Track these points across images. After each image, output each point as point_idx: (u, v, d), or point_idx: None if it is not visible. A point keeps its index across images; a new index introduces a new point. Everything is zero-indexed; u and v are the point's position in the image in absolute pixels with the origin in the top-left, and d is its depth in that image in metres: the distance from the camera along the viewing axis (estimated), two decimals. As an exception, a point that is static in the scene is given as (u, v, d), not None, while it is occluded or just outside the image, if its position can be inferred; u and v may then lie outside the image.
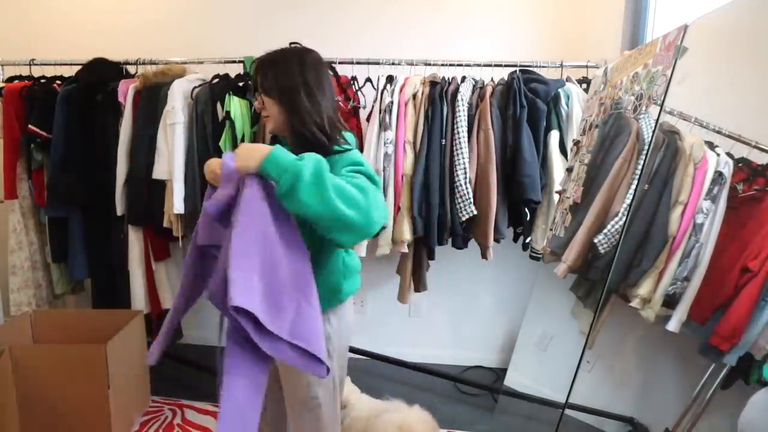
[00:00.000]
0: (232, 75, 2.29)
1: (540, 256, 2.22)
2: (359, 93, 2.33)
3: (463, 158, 2.05)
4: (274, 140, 1.33)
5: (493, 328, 2.81)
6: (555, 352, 2.30)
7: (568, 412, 1.79)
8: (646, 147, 1.53)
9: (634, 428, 1.99)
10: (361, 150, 1.96)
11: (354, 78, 2.32)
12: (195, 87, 2.19)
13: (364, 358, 2.63)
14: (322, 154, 1.08)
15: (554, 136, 2.12)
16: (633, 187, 1.56)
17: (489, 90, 2.11)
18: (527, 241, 2.24)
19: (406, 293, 2.30)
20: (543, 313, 2.35)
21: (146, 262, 2.37)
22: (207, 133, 2.17)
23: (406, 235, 2.13)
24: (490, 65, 2.22)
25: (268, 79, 1.22)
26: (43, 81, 2.42)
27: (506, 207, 2.16)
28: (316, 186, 0.98)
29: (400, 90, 2.15)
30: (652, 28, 2.16)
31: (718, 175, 1.55)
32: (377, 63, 2.25)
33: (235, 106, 2.14)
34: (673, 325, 1.61)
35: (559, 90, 2.13)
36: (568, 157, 2.11)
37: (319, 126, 1.19)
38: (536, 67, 2.20)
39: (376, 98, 2.18)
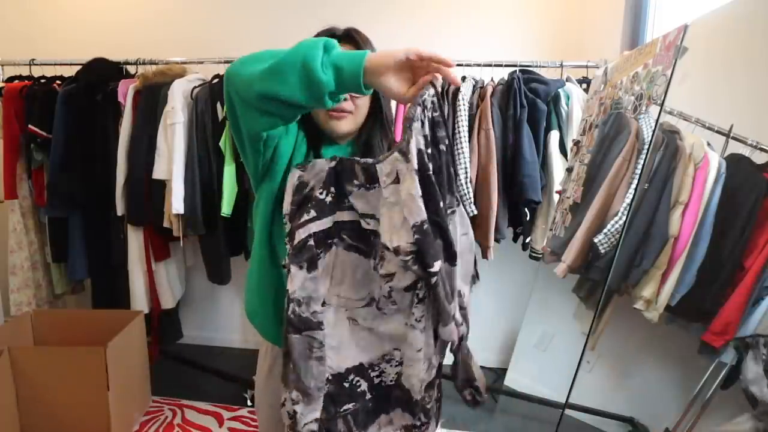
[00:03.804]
0: (232, 75, 2.29)
1: (540, 256, 2.22)
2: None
3: (464, 158, 2.05)
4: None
5: (493, 328, 2.81)
6: (555, 352, 2.30)
7: (568, 412, 1.79)
8: (646, 147, 1.53)
9: (634, 428, 1.99)
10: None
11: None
12: (195, 87, 2.19)
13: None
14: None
15: (554, 136, 2.12)
16: (633, 186, 1.56)
17: (489, 90, 2.11)
18: (527, 241, 2.24)
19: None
20: (543, 313, 2.35)
21: (146, 262, 2.37)
22: (207, 133, 2.17)
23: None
24: (490, 65, 2.22)
25: None
26: (43, 81, 2.42)
27: (506, 207, 2.15)
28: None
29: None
30: (652, 28, 2.16)
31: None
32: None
33: (235, 106, 2.14)
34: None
35: (559, 90, 2.13)
36: (568, 157, 2.11)
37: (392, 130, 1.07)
38: (536, 67, 2.20)
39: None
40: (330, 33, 0.98)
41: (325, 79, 0.73)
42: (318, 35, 0.99)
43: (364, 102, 0.98)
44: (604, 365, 2.05)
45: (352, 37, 0.99)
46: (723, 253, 1.56)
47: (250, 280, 1.06)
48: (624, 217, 1.57)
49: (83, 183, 2.29)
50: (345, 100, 0.95)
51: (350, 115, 0.98)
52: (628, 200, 1.57)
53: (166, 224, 2.22)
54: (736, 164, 1.58)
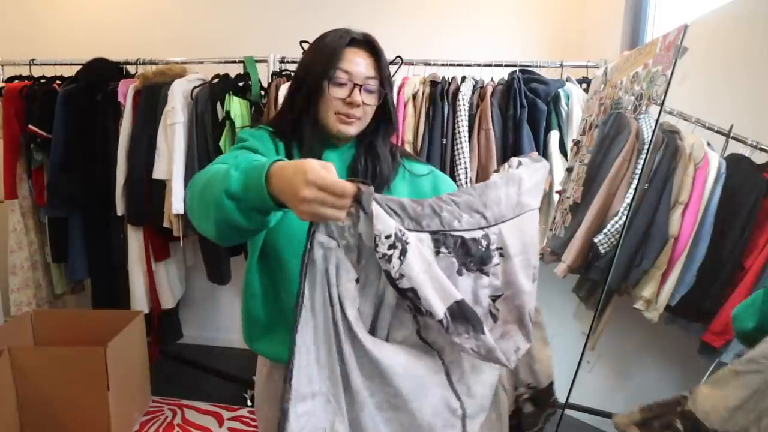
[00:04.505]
0: (232, 75, 2.29)
1: (540, 256, 2.22)
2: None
3: (464, 158, 2.05)
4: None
5: (493, 328, 2.80)
6: (555, 352, 2.29)
7: (568, 412, 1.79)
8: (646, 147, 1.53)
9: (634, 428, 1.99)
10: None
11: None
12: (195, 87, 2.19)
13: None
14: (393, 162, 1.01)
15: (554, 136, 2.12)
16: (633, 186, 1.56)
17: (489, 90, 2.11)
18: (527, 241, 2.24)
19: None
20: (543, 313, 2.34)
21: (146, 262, 2.37)
22: (207, 133, 2.17)
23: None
24: (490, 65, 2.22)
25: (385, 69, 0.98)
26: (43, 81, 2.42)
27: (506, 207, 2.15)
28: None
29: (399, 90, 2.15)
30: (652, 28, 2.16)
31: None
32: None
33: (235, 106, 2.14)
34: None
35: (559, 90, 2.13)
36: (568, 157, 2.11)
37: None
38: (536, 67, 2.20)
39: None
40: (349, 36, 0.95)
41: (258, 224, 0.75)
42: (331, 33, 0.96)
43: (372, 108, 0.98)
44: (604, 365, 2.05)
45: (370, 43, 0.97)
46: (723, 253, 1.56)
47: (249, 311, 1.01)
48: (624, 217, 1.57)
49: (83, 183, 2.29)
50: (358, 106, 0.94)
51: (358, 120, 0.97)
52: (628, 200, 1.57)
53: (166, 224, 2.22)
54: (736, 164, 1.58)
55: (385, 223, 0.69)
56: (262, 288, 0.97)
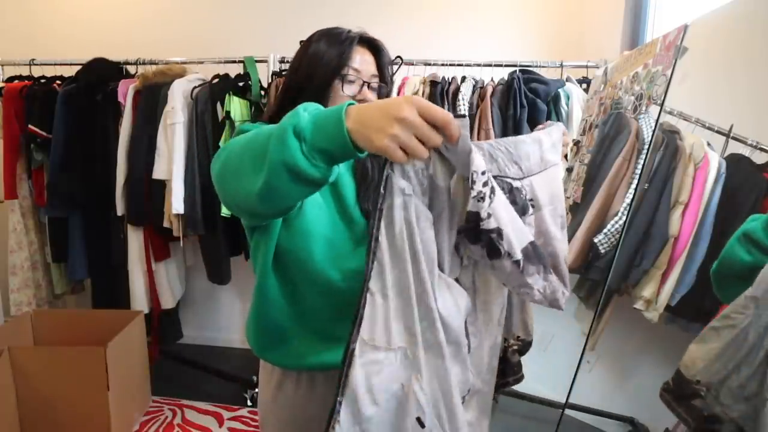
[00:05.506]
0: (232, 75, 2.29)
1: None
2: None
3: (463, 158, 2.06)
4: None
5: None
6: (555, 352, 2.29)
7: (568, 412, 1.79)
8: (646, 147, 1.53)
9: (634, 428, 1.99)
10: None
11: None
12: (195, 87, 2.19)
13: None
14: None
15: (554, 136, 2.12)
16: (633, 186, 1.56)
17: (489, 90, 2.11)
18: (527, 241, 2.24)
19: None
20: (543, 312, 2.34)
21: (146, 262, 2.37)
22: (207, 133, 2.17)
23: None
24: (490, 65, 2.22)
25: (385, 67, 1.01)
26: (43, 81, 2.43)
27: (506, 207, 2.15)
28: None
29: (399, 90, 2.15)
30: (652, 28, 2.16)
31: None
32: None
33: (235, 106, 2.14)
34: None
35: (559, 90, 2.13)
36: (568, 157, 2.11)
37: None
38: (536, 67, 2.20)
39: (376, 98, 2.18)
40: (347, 35, 0.95)
41: (320, 173, 0.65)
42: (329, 31, 0.96)
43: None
44: (604, 365, 2.05)
45: (371, 42, 0.98)
46: (723, 253, 1.55)
47: (259, 312, 0.98)
48: (624, 217, 1.57)
49: (83, 183, 2.29)
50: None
51: None
52: (628, 200, 1.57)
53: (166, 224, 2.22)
54: (736, 164, 1.58)
55: (480, 160, 0.65)
56: (282, 292, 0.95)
